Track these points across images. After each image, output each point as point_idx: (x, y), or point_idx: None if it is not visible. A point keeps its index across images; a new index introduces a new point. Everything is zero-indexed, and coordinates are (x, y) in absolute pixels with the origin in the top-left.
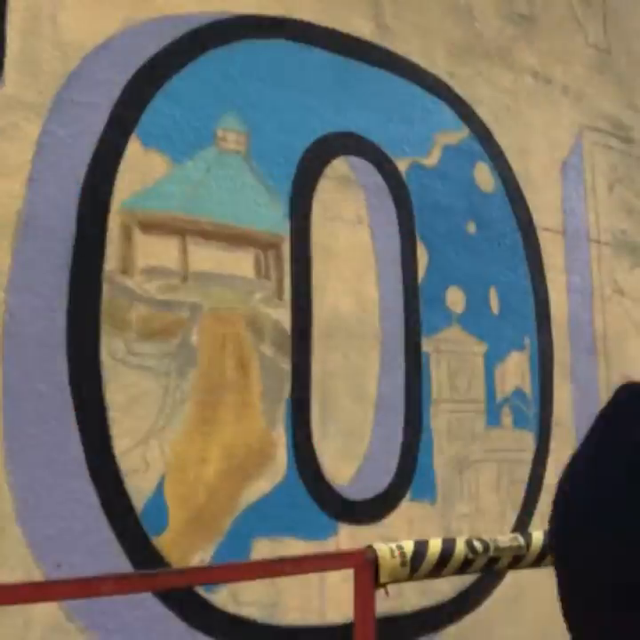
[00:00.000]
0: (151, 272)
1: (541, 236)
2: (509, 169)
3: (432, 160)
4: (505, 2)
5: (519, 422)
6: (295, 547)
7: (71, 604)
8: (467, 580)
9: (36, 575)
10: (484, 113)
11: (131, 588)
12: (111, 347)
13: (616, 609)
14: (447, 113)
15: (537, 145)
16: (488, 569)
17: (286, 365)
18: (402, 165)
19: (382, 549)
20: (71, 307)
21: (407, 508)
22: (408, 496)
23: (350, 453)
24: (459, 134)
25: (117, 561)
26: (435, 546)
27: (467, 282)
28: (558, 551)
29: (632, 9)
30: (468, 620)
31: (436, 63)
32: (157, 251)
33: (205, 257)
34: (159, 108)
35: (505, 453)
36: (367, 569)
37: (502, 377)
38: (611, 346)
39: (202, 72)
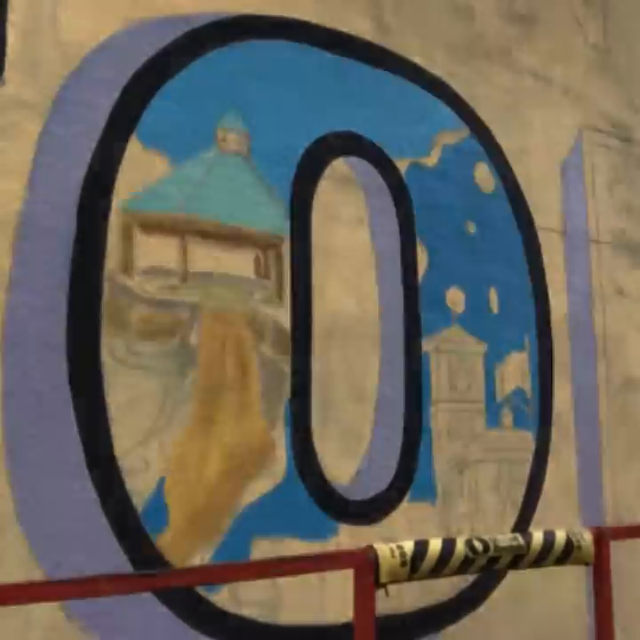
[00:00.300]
0: (151, 272)
1: (541, 236)
2: (509, 169)
3: (432, 160)
4: (505, 2)
5: (519, 422)
6: (295, 546)
7: (71, 603)
8: (467, 580)
9: (36, 575)
10: (483, 113)
11: (131, 588)
12: (111, 346)
13: None
14: (447, 113)
15: (537, 145)
16: (488, 569)
17: (286, 365)
18: (402, 165)
19: (382, 549)
20: (71, 306)
21: (407, 508)
22: (408, 496)
23: (350, 453)
24: (459, 134)
25: (117, 560)
26: (435, 546)
27: (467, 282)
28: None
29: (632, 9)
30: (468, 620)
31: (437, 63)
32: (157, 251)
33: (205, 257)
34: (159, 108)
35: (505, 453)
36: (367, 569)
37: (502, 377)
38: (610, 346)
39: (202, 72)
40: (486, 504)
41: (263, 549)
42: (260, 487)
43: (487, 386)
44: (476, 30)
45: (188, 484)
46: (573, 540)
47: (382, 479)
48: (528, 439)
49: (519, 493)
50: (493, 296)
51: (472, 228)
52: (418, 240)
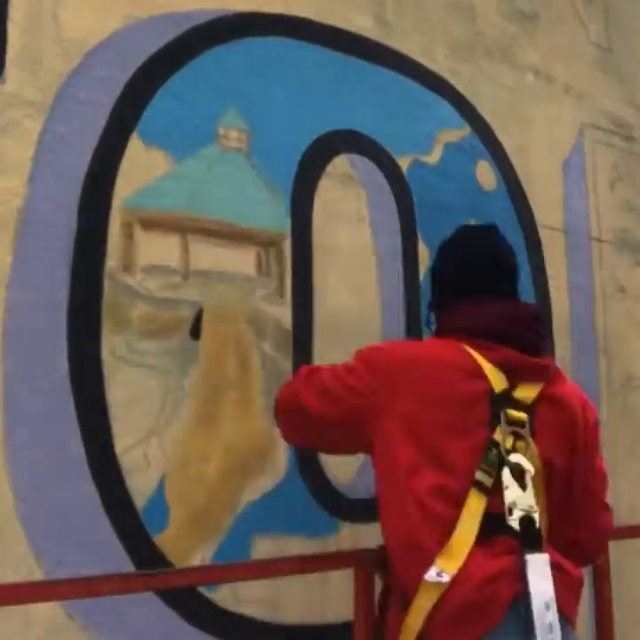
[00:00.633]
0: (152, 270)
1: (542, 234)
2: (511, 167)
3: (433, 158)
4: (507, 0)
5: None
6: (296, 545)
7: (71, 603)
8: None
9: (37, 574)
10: (485, 111)
11: (131, 588)
12: (112, 345)
13: None
14: (448, 111)
15: (538, 143)
16: None
17: (287, 363)
18: (403, 163)
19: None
20: (72, 304)
21: None
22: None
23: None
24: (460, 132)
25: (118, 559)
26: None
27: None
28: None
29: (634, 7)
30: None
31: (438, 61)
32: (158, 248)
33: (206, 255)
34: (160, 105)
35: None
36: (367, 569)
37: None
38: (612, 344)
39: (203, 69)
40: None
41: (264, 548)
42: (261, 485)
43: None
44: (478, 28)
45: (189, 482)
46: None
47: None
48: None
49: None
50: None
51: None
52: (419, 238)
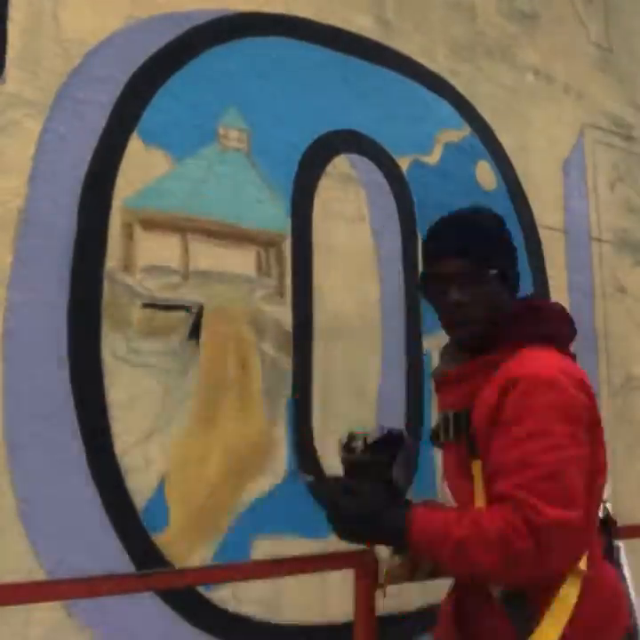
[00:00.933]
0: (152, 270)
1: (543, 234)
2: (511, 167)
3: (433, 158)
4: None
5: None
6: (296, 545)
7: (71, 603)
8: None
9: (37, 574)
10: (485, 111)
11: (131, 588)
12: (112, 345)
13: None
14: (448, 111)
15: (538, 143)
16: None
17: (287, 363)
18: (403, 163)
19: (382, 549)
20: (72, 304)
21: None
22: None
23: None
24: (460, 132)
25: (118, 559)
26: None
27: None
28: None
29: (634, 7)
30: None
31: (438, 61)
32: (158, 249)
33: (206, 255)
34: (160, 105)
35: None
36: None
37: None
38: (612, 344)
39: (203, 69)
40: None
41: (264, 548)
42: (260, 485)
43: None
44: (478, 28)
45: (189, 482)
46: None
47: None
48: None
49: None
50: None
51: None
52: (419, 238)
